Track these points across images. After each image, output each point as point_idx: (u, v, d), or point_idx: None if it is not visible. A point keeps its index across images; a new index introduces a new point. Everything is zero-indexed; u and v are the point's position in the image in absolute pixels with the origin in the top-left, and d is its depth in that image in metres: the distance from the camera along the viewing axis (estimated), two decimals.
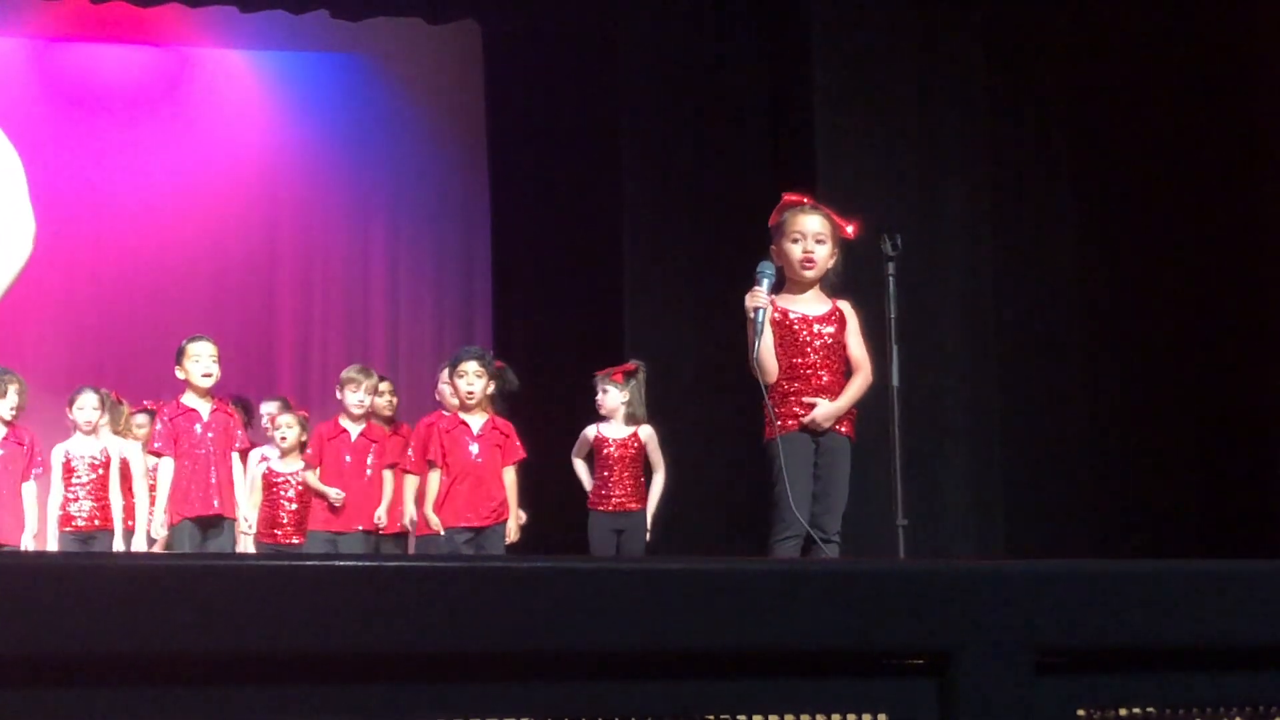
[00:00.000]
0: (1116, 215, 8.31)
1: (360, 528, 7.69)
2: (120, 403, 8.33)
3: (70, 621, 1.24)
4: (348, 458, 7.72)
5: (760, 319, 4.91)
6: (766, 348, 4.97)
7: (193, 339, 7.36)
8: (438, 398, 7.67)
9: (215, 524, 7.19)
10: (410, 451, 7.65)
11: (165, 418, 7.28)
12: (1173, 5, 8.29)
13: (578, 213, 9.88)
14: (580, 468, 7.65)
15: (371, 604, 1.31)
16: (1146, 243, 8.22)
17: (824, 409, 4.99)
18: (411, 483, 7.50)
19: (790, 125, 8.57)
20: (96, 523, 7.99)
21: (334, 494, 7.61)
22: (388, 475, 7.79)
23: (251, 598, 1.29)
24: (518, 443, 7.09)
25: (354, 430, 7.79)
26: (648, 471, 7.53)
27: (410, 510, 7.49)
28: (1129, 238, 8.26)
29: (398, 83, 11.47)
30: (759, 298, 4.93)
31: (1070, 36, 8.42)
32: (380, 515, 7.71)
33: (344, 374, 7.98)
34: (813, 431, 5.00)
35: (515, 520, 7.07)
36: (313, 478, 7.69)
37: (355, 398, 7.77)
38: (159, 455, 7.27)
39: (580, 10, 9.52)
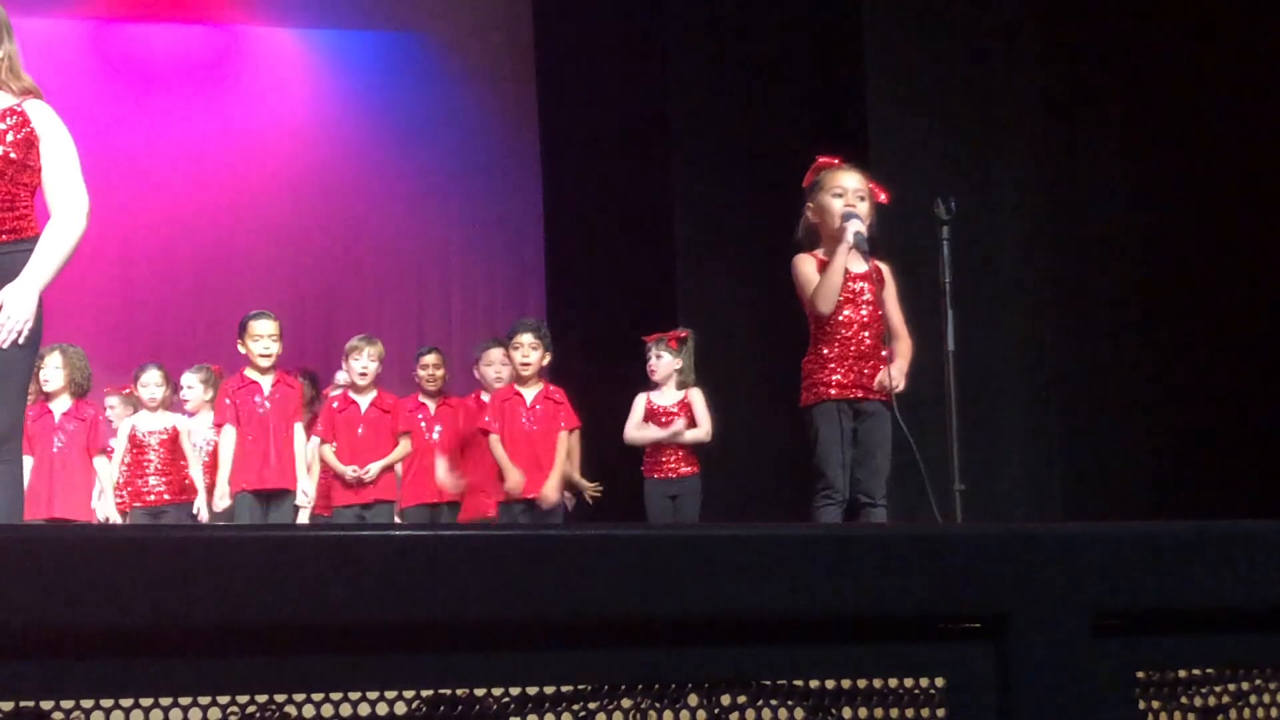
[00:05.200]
0: (1173, 176, 8.21)
1: (383, 499, 7.60)
2: (219, 375, 8.29)
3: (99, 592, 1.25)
4: (360, 429, 7.57)
5: (856, 240, 4.89)
6: (838, 270, 4.93)
7: (255, 315, 7.25)
8: (477, 376, 7.67)
9: (277, 496, 7.16)
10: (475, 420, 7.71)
11: (228, 391, 7.27)
12: None
13: (629, 180, 9.86)
14: (642, 431, 7.48)
15: (424, 573, 1.32)
16: (1205, 203, 8.12)
17: (898, 367, 5.00)
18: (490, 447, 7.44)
19: (842, 88, 8.51)
20: (166, 497, 8.04)
21: (349, 472, 7.47)
22: (404, 442, 7.65)
23: (307, 568, 1.30)
24: (572, 409, 7.08)
25: (364, 402, 7.62)
26: None
27: (445, 479, 7.54)
28: (1186, 198, 8.15)
29: (449, 56, 11.49)
30: (860, 226, 4.92)
31: None
32: (372, 470, 7.49)
33: (348, 344, 7.78)
34: (856, 399, 4.98)
35: (558, 479, 6.95)
36: (329, 453, 7.56)
37: (359, 365, 7.59)
38: (220, 427, 7.26)
39: None
